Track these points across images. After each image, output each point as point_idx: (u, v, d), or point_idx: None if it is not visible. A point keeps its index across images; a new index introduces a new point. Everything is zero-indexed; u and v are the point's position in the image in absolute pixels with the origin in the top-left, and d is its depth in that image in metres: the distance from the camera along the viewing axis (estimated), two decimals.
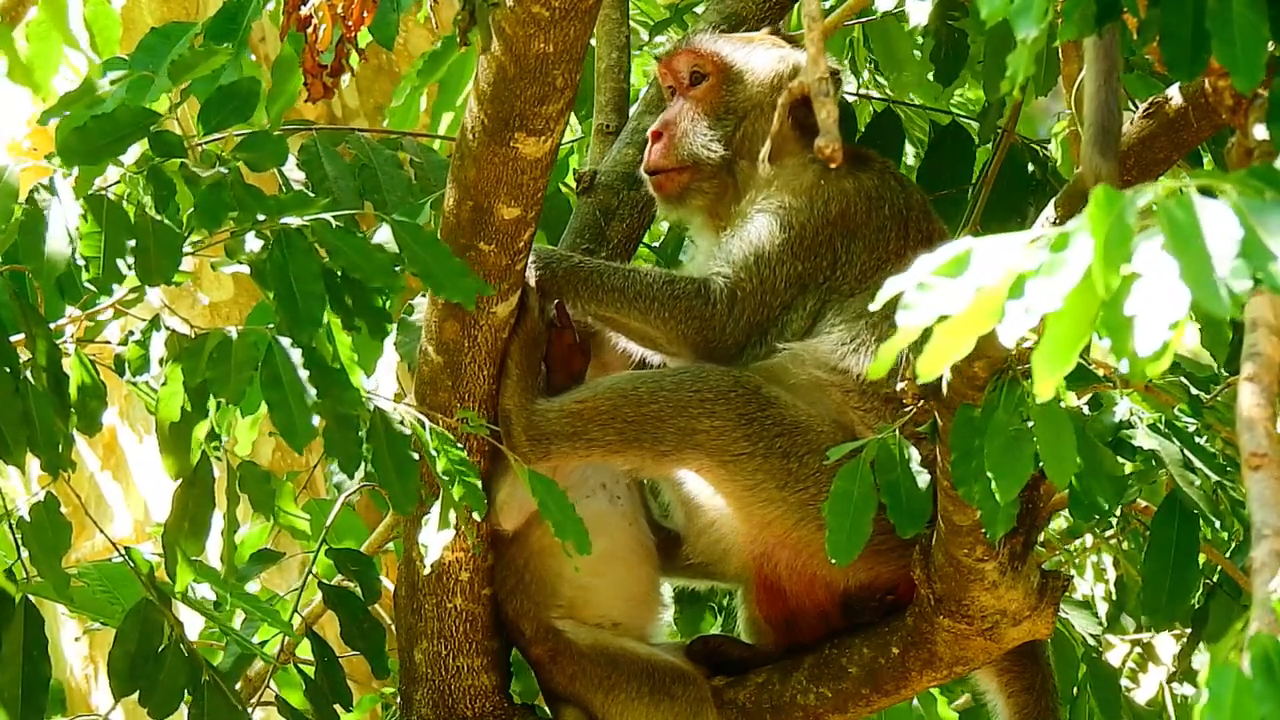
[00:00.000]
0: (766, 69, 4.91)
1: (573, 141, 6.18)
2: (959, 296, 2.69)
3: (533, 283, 4.63)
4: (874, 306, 4.45)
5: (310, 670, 5.02)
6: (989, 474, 3.89)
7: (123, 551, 4.66)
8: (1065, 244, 2.67)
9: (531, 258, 4.60)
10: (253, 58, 4.54)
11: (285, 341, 3.99)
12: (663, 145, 4.89)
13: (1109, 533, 5.86)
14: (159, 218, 4.06)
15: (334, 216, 4.04)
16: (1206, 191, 2.68)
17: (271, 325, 4.05)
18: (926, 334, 2.76)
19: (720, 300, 4.66)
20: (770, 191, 4.78)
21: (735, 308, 4.66)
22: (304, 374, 3.97)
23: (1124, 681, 6.39)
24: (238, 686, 4.86)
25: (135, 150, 4.14)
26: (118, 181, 4.13)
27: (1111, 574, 6.71)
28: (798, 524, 4.57)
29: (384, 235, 4.14)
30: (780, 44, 4.99)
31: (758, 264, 4.68)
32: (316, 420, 3.96)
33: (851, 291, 4.67)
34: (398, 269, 4.05)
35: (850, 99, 5.99)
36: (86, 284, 4.05)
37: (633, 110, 5.33)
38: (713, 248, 4.83)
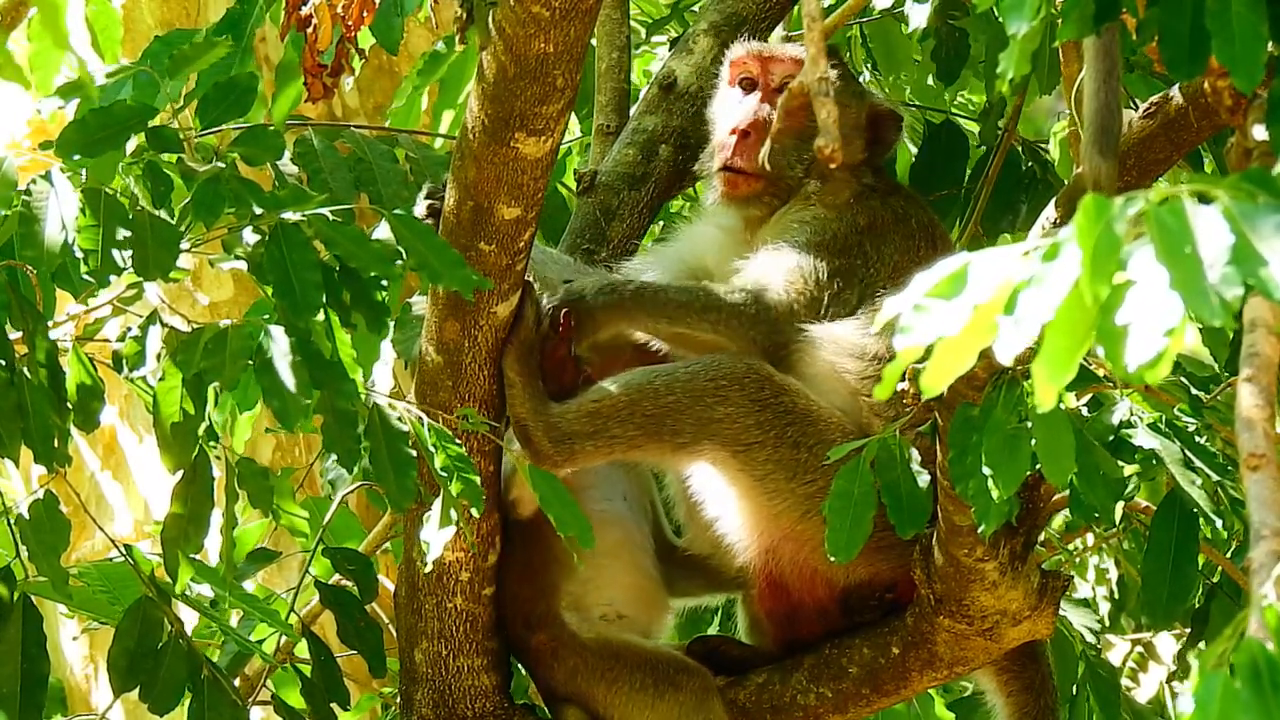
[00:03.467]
0: (856, 104, 4.92)
1: (572, 140, 6.18)
2: (956, 318, 2.70)
3: (595, 306, 4.65)
4: (873, 330, 4.55)
5: (308, 670, 5.02)
6: (986, 470, 3.90)
7: (122, 550, 4.66)
8: (1055, 254, 2.67)
9: (595, 286, 4.64)
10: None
11: (280, 331, 3.99)
12: (750, 146, 4.88)
13: (1109, 532, 5.85)
14: (156, 212, 4.07)
15: (331, 211, 4.04)
16: (1201, 197, 2.68)
17: (267, 316, 4.05)
18: (929, 347, 2.76)
19: (780, 303, 4.70)
20: (809, 203, 4.84)
21: (794, 307, 4.70)
22: (289, 358, 3.97)
23: (1124, 681, 6.39)
24: (235, 684, 4.86)
25: (133, 144, 4.15)
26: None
27: (1113, 574, 6.71)
28: (803, 517, 4.58)
29: (382, 232, 4.14)
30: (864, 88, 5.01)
31: (800, 266, 4.73)
32: (292, 383, 3.95)
33: (884, 286, 4.71)
34: (396, 262, 4.06)
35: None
36: (85, 276, 4.05)
37: (633, 110, 5.33)
38: (738, 247, 4.86)
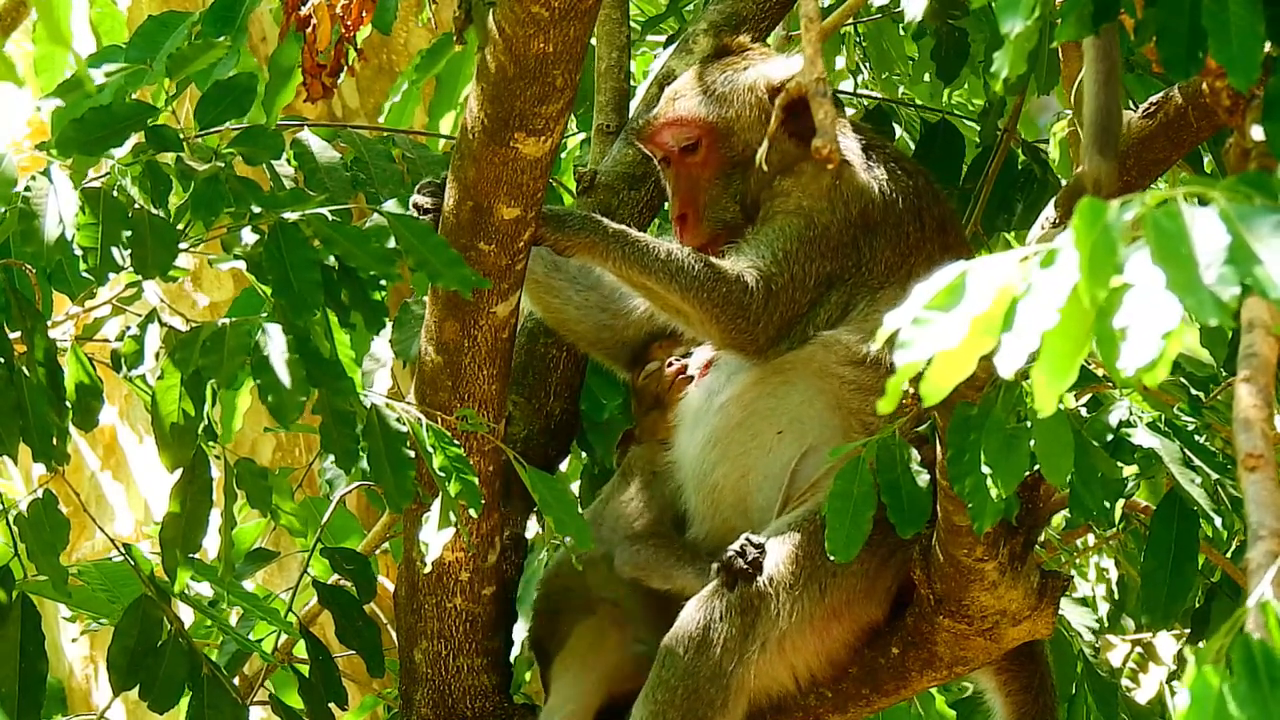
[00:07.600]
0: (747, 103, 4.85)
1: (570, 135, 6.18)
2: (954, 331, 2.70)
3: (573, 230, 4.60)
4: (874, 347, 4.52)
5: (306, 669, 5.02)
6: (985, 468, 3.90)
7: (122, 549, 4.66)
8: (1052, 261, 2.67)
9: (580, 216, 4.60)
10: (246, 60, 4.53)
11: (277, 329, 3.99)
12: (691, 229, 4.83)
13: (1109, 532, 5.86)
14: (154, 211, 4.07)
15: (330, 211, 4.04)
16: (1199, 199, 2.69)
17: (264, 314, 4.06)
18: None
19: (758, 291, 4.66)
20: (791, 197, 4.77)
21: (770, 301, 4.66)
22: (286, 355, 3.97)
23: (1124, 681, 6.39)
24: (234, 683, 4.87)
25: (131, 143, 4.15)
26: (107, 173, 4.13)
27: (1113, 574, 6.72)
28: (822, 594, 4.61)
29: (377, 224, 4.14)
30: (753, 56, 4.91)
31: (787, 260, 4.69)
32: (289, 379, 3.95)
33: (880, 285, 4.68)
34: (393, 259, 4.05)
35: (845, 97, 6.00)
36: (84, 274, 4.05)
37: (633, 110, 5.33)
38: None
